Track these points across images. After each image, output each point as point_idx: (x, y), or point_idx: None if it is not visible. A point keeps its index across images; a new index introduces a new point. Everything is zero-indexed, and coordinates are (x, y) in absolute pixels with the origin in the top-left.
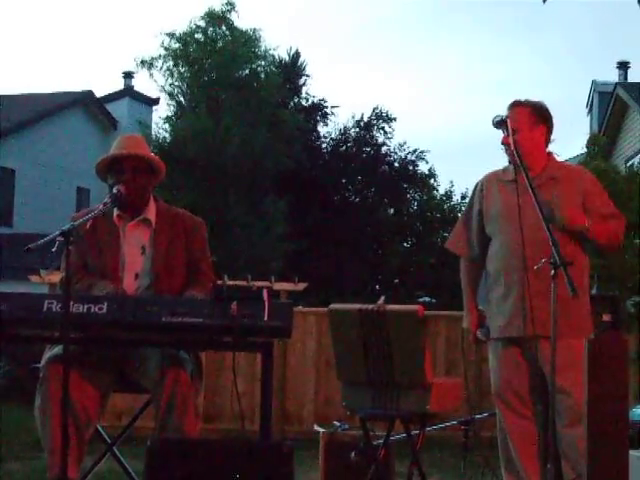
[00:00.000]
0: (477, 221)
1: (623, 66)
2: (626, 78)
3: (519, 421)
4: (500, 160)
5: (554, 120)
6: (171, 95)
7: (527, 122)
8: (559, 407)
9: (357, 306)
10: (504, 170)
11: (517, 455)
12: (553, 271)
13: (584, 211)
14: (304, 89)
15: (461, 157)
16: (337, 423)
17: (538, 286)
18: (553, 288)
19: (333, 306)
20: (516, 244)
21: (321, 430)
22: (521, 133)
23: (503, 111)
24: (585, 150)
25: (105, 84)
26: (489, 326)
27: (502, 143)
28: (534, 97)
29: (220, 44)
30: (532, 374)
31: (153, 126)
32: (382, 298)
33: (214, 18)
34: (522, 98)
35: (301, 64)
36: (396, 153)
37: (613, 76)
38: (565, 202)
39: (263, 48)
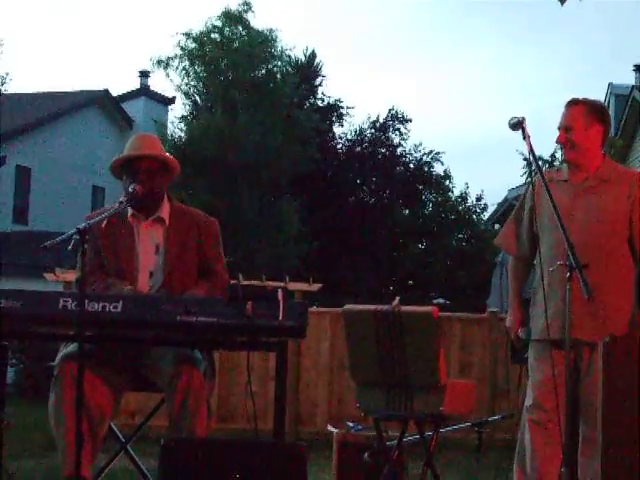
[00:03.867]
0: (528, 219)
1: (639, 69)
2: None
3: (544, 435)
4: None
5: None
6: (187, 95)
7: (583, 121)
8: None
9: (372, 307)
10: (557, 170)
11: (534, 459)
12: (568, 273)
13: (629, 219)
14: (320, 89)
15: (477, 159)
16: (350, 424)
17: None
18: (568, 290)
19: (348, 307)
20: (562, 245)
21: (334, 431)
22: (576, 132)
23: (518, 113)
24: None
25: (121, 83)
26: (532, 327)
27: (557, 142)
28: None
29: (236, 44)
30: (569, 383)
31: (169, 125)
32: (397, 299)
33: (230, 18)
34: (580, 97)
35: (317, 64)
36: (411, 154)
37: (630, 79)
38: (611, 205)
39: (279, 48)
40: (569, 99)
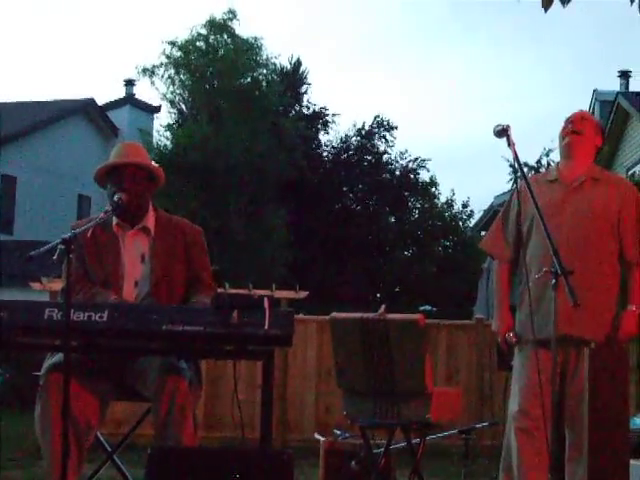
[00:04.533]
0: (514, 224)
1: (624, 75)
2: (627, 87)
3: (531, 442)
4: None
5: (557, 130)
6: (172, 103)
7: (592, 130)
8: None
9: (358, 315)
10: (546, 172)
11: (521, 466)
12: (554, 280)
13: (617, 221)
14: (305, 97)
15: (463, 166)
16: (337, 432)
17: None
18: (554, 296)
19: (334, 315)
20: (549, 250)
21: (321, 438)
22: (586, 135)
23: (503, 120)
24: None
25: (107, 92)
26: (522, 329)
27: (565, 133)
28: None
29: (222, 52)
30: (556, 386)
31: (154, 134)
32: (383, 307)
33: (216, 26)
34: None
35: (302, 72)
36: (397, 161)
37: (614, 85)
38: (601, 203)
39: (265, 56)
40: (580, 110)
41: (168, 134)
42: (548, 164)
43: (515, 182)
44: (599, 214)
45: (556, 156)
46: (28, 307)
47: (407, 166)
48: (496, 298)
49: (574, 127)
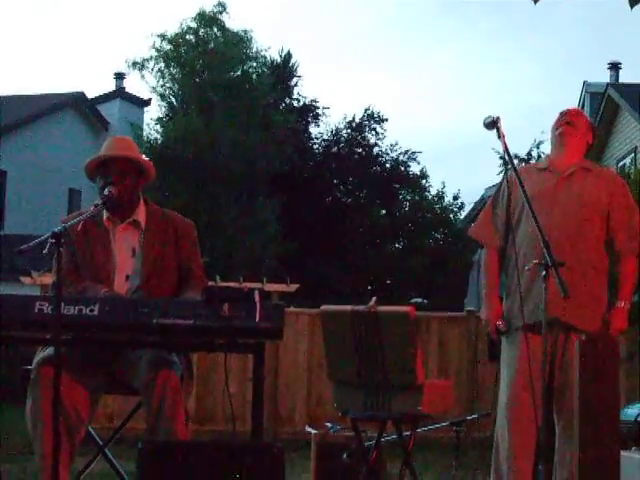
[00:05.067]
0: (504, 211)
1: (614, 67)
2: (617, 79)
3: (521, 431)
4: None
5: (548, 122)
6: (162, 96)
7: (585, 125)
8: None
9: (349, 307)
10: (537, 162)
11: (511, 455)
12: (544, 272)
13: (607, 213)
14: (296, 90)
15: (453, 158)
16: (329, 424)
17: (565, 274)
18: (544, 288)
19: (325, 307)
20: (539, 241)
21: (313, 431)
22: (579, 131)
23: (494, 112)
24: None
25: (96, 85)
26: (511, 316)
27: (559, 124)
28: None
29: (211, 45)
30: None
31: (144, 127)
32: (374, 299)
33: (205, 19)
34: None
35: (292, 65)
36: (388, 154)
37: (604, 77)
38: (592, 193)
39: (254, 49)
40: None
41: (158, 127)
42: (538, 156)
43: (505, 173)
44: (590, 203)
45: (546, 148)
46: (19, 301)
47: (398, 158)
48: (485, 285)
49: (568, 119)
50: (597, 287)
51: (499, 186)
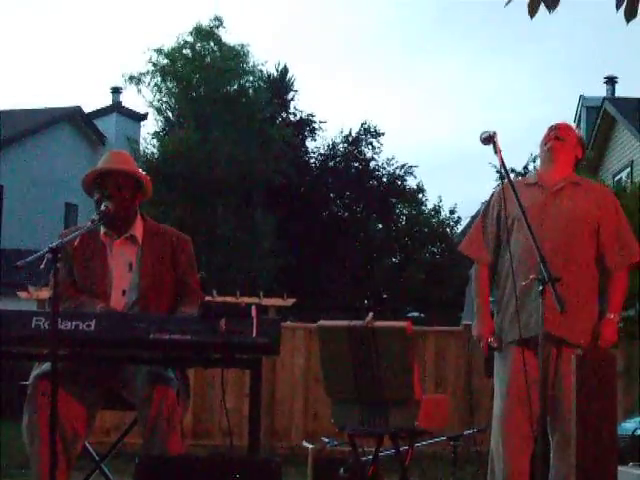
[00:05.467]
0: (495, 225)
1: (611, 81)
2: (614, 93)
3: (515, 445)
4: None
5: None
6: (159, 111)
7: (575, 140)
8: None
9: (345, 323)
10: (527, 176)
11: (505, 468)
12: (541, 287)
13: (598, 227)
14: (292, 104)
15: (450, 172)
16: (326, 439)
17: (558, 289)
18: (541, 303)
19: (322, 323)
20: (533, 256)
21: (310, 446)
22: (568, 145)
23: (490, 127)
24: None
25: (93, 100)
26: (503, 332)
27: (549, 139)
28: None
29: (208, 59)
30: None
31: (141, 141)
32: (370, 314)
33: (202, 34)
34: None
35: (289, 79)
36: (384, 168)
37: (601, 91)
38: (581, 208)
39: (251, 63)
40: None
41: (155, 142)
42: (535, 170)
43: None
44: (580, 218)
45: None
46: (15, 316)
47: (394, 173)
48: (476, 301)
49: (557, 133)
50: (588, 302)
51: (489, 201)
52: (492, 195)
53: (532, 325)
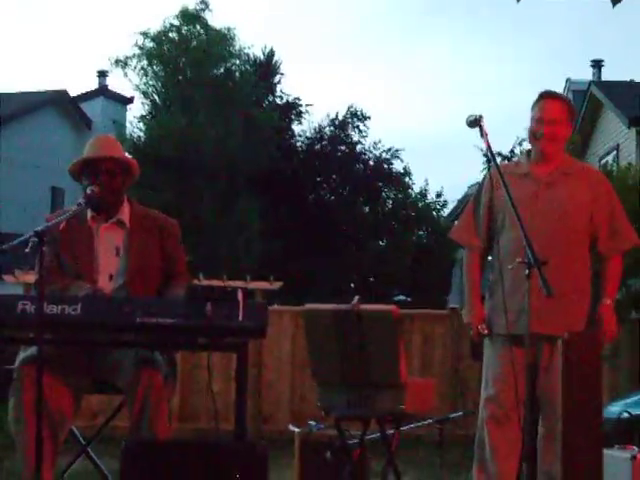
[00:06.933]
0: (485, 213)
1: (597, 65)
2: (600, 77)
3: (502, 431)
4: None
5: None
6: (145, 94)
7: (565, 116)
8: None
9: (331, 306)
10: (516, 164)
11: (493, 456)
12: (527, 271)
13: (590, 215)
14: (279, 87)
15: (436, 155)
16: (312, 423)
17: (549, 280)
18: (527, 287)
19: (308, 306)
20: (522, 241)
21: (296, 430)
22: (561, 125)
23: (476, 110)
24: None
25: (79, 83)
26: (492, 321)
27: (536, 134)
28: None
29: (194, 43)
30: (529, 379)
31: (127, 125)
32: (356, 298)
33: (188, 17)
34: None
35: (276, 62)
36: (371, 152)
37: (587, 75)
38: (573, 199)
39: (237, 47)
40: (547, 92)
41: (141, 125)
42: (521, 153)
43: (488, 171)
44: (571, 209)
45: (529, 145)
46: (1, 300)
47: (381, 156)
48: (466, 288)
49: (548, 132)
50: (581, 294)
51: (480, 186)
52: (483, 180)
53: (522, 322)
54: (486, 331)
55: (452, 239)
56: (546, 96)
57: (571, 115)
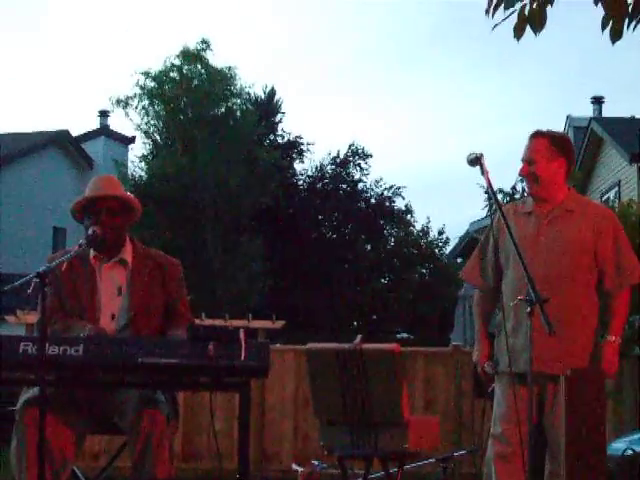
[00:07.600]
0: (493, 253)
1: (597, 101)
2: (601, 113)
3: (508, 468)
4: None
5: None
6: (147, 134)
7: (545, 153)
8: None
9: (334, 345)
10: (522, 202)
11: None
12: (529, 308)
13: (594, 252)
14: (280, 126)
15: (438, 193)
16: (315, 462)
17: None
18: (528, 325)
19: (310, 346)
20: (524, 279)
21: (299, 469)
22: (538, 165)
23: (477, 146)
24: None
25: (81, 123)
26: (498, 359)
27: (520, 174)
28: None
29: (195, 82)
30: (531, 417)
31: (129, 165)
32: (359, 337)
33: (189, 56)
34: (544, 129)
35: (277, 101)
36: (372, 189)
37: (588, 111)
38: (575, 235)
39: (239, 86)
40: (533, 131)
41: (143, 165)
42: (523, 190)
43: (490, 209)
44: (573, 247)
45: None
46: (3, 341)
47: (382, 194)
48: (475, 327)
49: (526, 173)
50: (585, 332)
51: (486, 233)
52: (491, 222)
53: (521, 361)
54: (492, 370)
55: (462, 279)
56: (530, 136)
57: (559, 149)
